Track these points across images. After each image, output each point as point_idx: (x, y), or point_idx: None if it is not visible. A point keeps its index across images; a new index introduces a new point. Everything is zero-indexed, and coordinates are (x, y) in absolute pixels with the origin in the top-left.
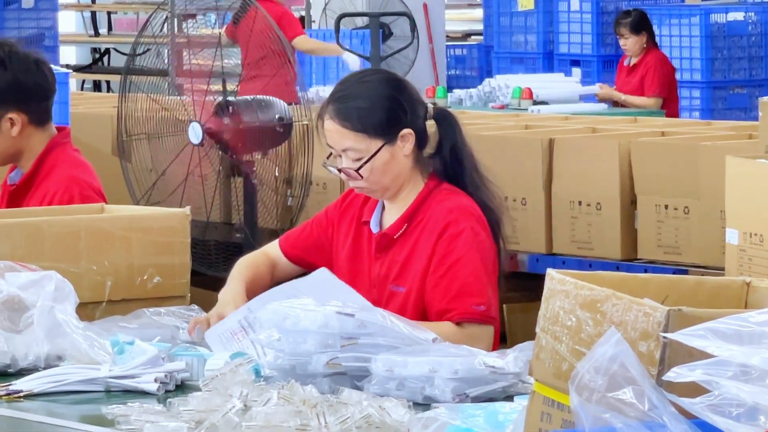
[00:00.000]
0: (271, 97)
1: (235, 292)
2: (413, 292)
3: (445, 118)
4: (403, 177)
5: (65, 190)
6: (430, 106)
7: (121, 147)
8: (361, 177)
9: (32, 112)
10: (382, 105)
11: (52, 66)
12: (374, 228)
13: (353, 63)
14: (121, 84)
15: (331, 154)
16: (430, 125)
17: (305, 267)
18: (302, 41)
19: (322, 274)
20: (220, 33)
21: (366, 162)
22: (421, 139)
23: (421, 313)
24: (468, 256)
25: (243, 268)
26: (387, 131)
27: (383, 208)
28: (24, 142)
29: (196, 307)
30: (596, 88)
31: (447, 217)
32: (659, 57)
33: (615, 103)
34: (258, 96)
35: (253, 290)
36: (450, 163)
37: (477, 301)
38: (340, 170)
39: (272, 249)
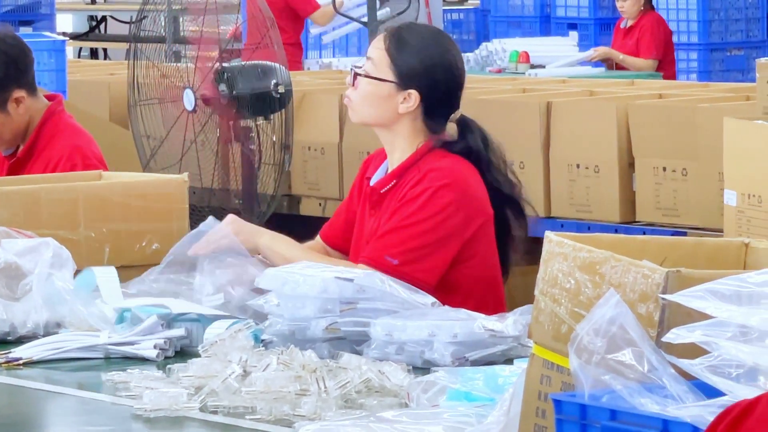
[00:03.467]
0: (270, 63)
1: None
2: None
3: (466, 128)
4: (384, 124)
5: (68, 158)
6: (459, 112)
7: (130, 114)
8: (354, 86)
9: (27, 84)
10: (422, 56)
11: (49, 34)
12: (372, 183)
13: None
14: (129, 51)
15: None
16: (451, 126)
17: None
18: (320, 14)
19: None
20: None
21: (368, 76)
22: (433, 124)
23: None
24: (416, 211)
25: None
26: (403, 75)
27: (388, 167)
28: (27, 116)
29: (196, 274)
30: (591, 53)
31: (427, 173)
32: (656, 18)
33: (611, 66)
34: (255, 61)
35: None
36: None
37: (391, 253)
38: (353, 72)
39: (318, 241)
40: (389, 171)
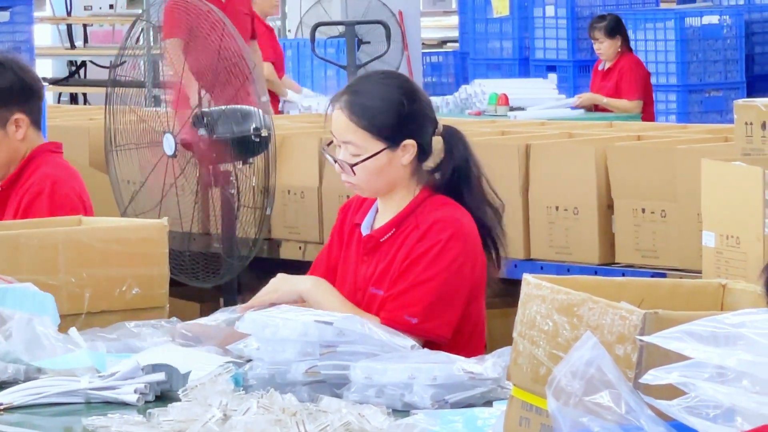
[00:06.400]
0: (249, 107)
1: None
2: None
3: (453, 138)
4: (396, 184)
5: (38, 184)
6: (440, 123)
7: (106, 159)
8: (354, 173)
9: (32, 113)
10: (394, 110)
11: None
12: (364, 230)
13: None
14: (106, 96)
15: (332, 141)
16: (437, 141)
17: None
18: (266, 68)
19: None
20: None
21: (363, 160)
22: (424, 152)
23: None
24: (427, 267)
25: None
26: (391, 136)
27: (377, 211)
28: (24, 145)
29: (176, 318)
30: (575, 100)
31: (431, 225)
32: (633, 60)
33: (595, 108)
34: (235, 106)
35: None
36: (449, 180)
37: (410, 312)
38: (336, 161)
39: None
40: (384, 218)
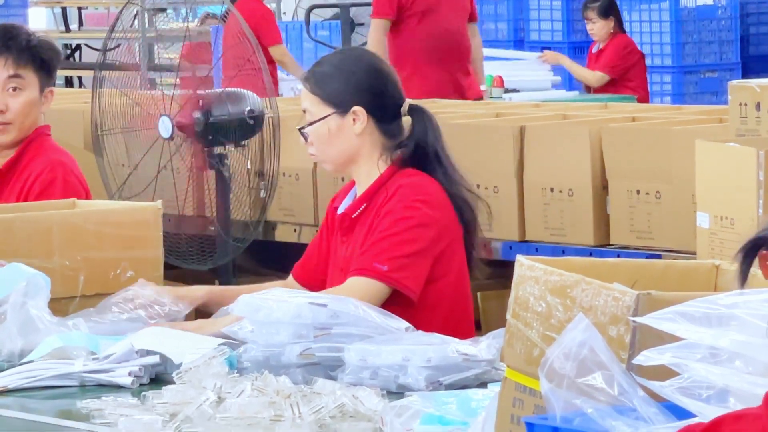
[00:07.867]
0: (242, 90)
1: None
2: None
3: (416, 114)
4: (352, 154)
5: (49, 171)
6: (407, 102)
7: (96, 142)
8: (306, 139)
9: (49, 97)
10: (342, 76)
11: None
12: (340, 211)
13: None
14: (94, 79)
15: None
16: (407, 120)
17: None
18: (280, 51)
19: None
20: (188, 26)
21: (310, 123)
22: (387, 127)
23: None
24: (392, 222)
25: None
26: (338, 102)
27: (355, 195)
28: (39, 119)
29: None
30: (540, 55)
31: (398, 189)
32: (622, 42)
33: (587, 89)
34: (229, 89)
35: None
36: (414, 154)
37: (380, 260)
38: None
39: (290, 280)
40: (358, 195)
